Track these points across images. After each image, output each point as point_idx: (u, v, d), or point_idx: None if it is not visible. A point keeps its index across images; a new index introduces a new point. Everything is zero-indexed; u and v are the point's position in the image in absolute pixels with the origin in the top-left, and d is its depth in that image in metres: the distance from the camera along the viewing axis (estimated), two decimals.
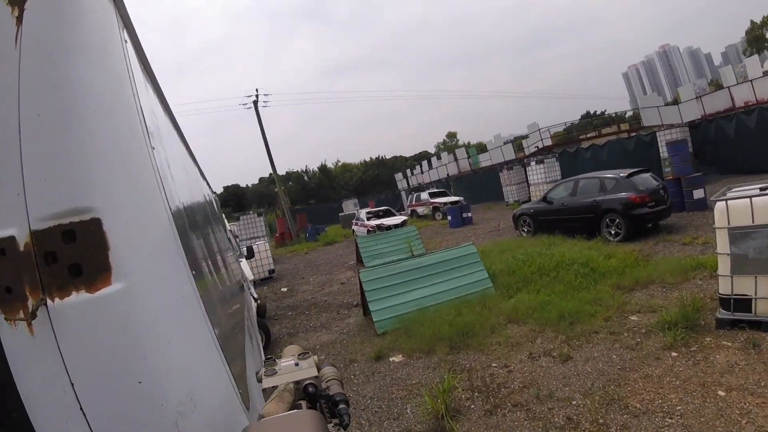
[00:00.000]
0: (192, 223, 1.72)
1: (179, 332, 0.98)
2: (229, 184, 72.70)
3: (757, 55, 21.95)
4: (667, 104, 25.57)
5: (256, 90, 31.94)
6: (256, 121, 31.84)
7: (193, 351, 1.00)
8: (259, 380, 1.36)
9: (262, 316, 9.72)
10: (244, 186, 75.26)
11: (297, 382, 1.35)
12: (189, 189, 2.04)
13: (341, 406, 1.29)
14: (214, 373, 1.06)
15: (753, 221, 4.89)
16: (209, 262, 1.84)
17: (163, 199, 1.12)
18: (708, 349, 4.94)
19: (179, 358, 0.94)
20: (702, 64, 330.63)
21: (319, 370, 1.44)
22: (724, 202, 5.13)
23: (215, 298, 1.58)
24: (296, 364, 1.42)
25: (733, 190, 5.44)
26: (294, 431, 0.99)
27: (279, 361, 1.45)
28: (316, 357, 1.48)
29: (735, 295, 5.17)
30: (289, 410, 1.16)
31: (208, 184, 5.65)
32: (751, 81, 19.53)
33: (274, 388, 1.32)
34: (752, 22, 52.88)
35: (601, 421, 4.04)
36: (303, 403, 1.29)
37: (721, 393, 4.10)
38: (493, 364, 5.64)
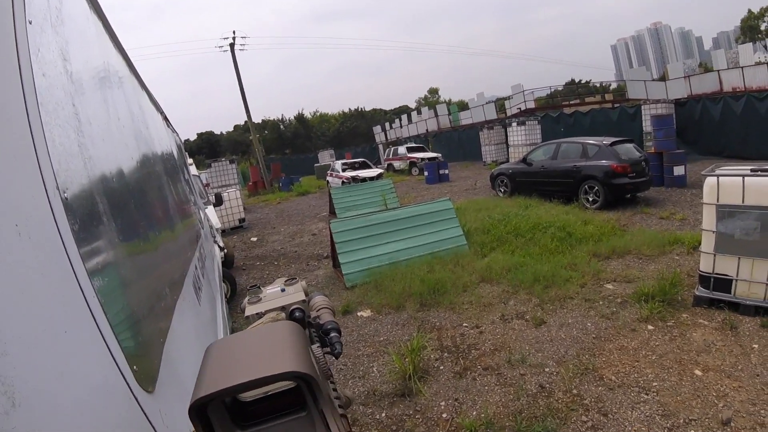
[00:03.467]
0: (118, 178, 1.49)
1: None
2: (203, 131, 70.88)
3: (751, 43, 21.72)
4: (653, 80, 25.38)
5: (233, 32, 30.34)
6: (233, 66, 30.52)
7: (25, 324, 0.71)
8: (242, 309, 1.33)
9: (229, 266, 9.43)
10: (219, 133, 73.16)
11: (283, 309, 1.28)
12: (125, 138, 1.80)
13: (333, 334, 1.23)
14: (72, 352, 0.78)
15: (743, 201, 4.73)
16: (131, 217, 1.62)
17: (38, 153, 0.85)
18: (684, 326, 4.83)
19: None
20: (692, 46, 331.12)
21: (307, 296, 1.37)
22: (715, 177, 4.95)
23: (122, 257, 1.32)
24: (282, 290, 1.38)
25: (722, 168, 5.26)
26: (262, 341, 0.86)
27: (264, 288, 1.43)
28: (303, 282, 1.44)
29: (716, 273, 5.07)
30: None
31: (169, 126, 5.33)
32: (742, 68, 19.41)
33: (258, 315, 1.26)
34: (750, 11, 54.17)
35: (574, 391, 3.90)
36: None
37: (698, 372, 3.99)
38: (464, 324, 5.48)
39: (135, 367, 1.01)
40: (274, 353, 0.81)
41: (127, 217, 1.49)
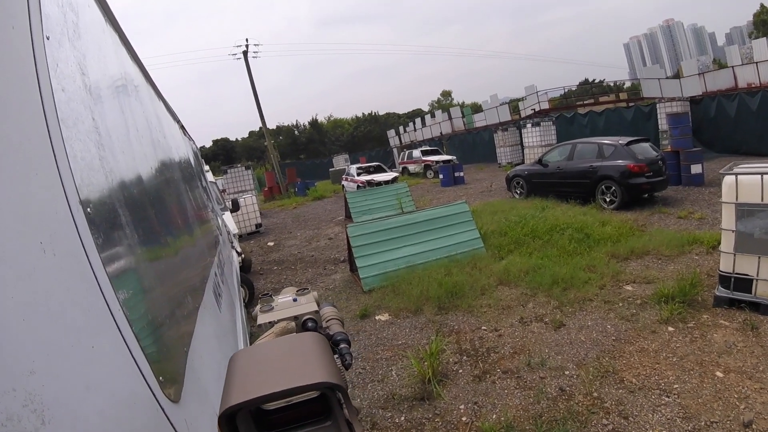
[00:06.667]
0: (138, 187, 1.51)
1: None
2: (218, 138, 71.68)
3: (765, 39, 21.24)
4: (667, 78, 25.06)
5: (246, 40, 30.63)
6: (246, 73, 30.75)
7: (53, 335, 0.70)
8: (254, 318, 1.34)
9: (247, 270, 9.48)
10: (234, 140, 73.69)
11: (296, 318, 1.28)
12: (146, 147, 1.83)
13: (342, 345, 1.23)
14: (100, 366, 0.77)
15: (762, 199, 4.66)
16: (156, 226, 1.64)
17: (59, 164, 0.85)
18: (705, 327, 4.77)
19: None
20: (705, 42, 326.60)
21: (318, 306, 1.37)
22: (733, 176, 4.88)
23: (148, 266, 1.33)
24: (294, 300, 1.38)
25: (740, 166, 5.19)
26: (291, 351, 0.86)
27: (276, 297, 1.42)
28: (315, 293, 1.45)
29: (736, 273, 5.00)
30: None
31: (185, 134, 5.38)
32: (756, 63, 19.06)
33: (271, 324, 1.26)
34: (762, 5, 53.93)
35: (595, 394, 3.87)
36: None
37: (719, 374, 3.94)
38: (483, 327, 5.46)
39: (161, 377, 1.01)
40: (305, 363, 0.81)
41: (149, 228, 1.50)
